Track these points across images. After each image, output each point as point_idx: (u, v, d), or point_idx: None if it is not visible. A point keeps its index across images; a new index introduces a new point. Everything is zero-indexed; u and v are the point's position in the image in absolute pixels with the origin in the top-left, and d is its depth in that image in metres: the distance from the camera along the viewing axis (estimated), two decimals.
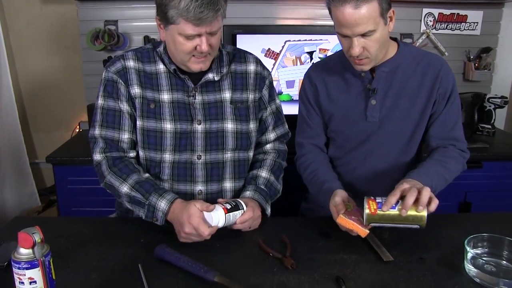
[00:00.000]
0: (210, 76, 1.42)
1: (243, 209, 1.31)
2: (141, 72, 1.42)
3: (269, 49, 2.49)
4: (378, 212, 1.18)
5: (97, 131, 1.42)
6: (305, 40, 2.48)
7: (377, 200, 1.20)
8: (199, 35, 1.28)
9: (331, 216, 1.28)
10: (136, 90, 1.41)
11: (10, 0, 2.66)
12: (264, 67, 1.57)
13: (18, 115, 2.70)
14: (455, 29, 2.78)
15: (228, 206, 1.29)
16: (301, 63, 2.51)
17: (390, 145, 1.49)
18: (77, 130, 2.76)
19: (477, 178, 2.34)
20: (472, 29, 2.79)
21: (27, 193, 2.78)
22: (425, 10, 2.73)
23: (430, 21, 2.75)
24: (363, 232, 1.21)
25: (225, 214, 1.26)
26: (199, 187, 1.45)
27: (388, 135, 1.48)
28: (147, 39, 2.65)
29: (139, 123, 1.42)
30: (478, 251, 1.15)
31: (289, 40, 2.48)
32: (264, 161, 1.54)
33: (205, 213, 1.25)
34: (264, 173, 1.51)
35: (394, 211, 1.17)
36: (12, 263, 0.90)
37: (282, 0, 2.68)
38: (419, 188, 1.17)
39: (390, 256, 1.18)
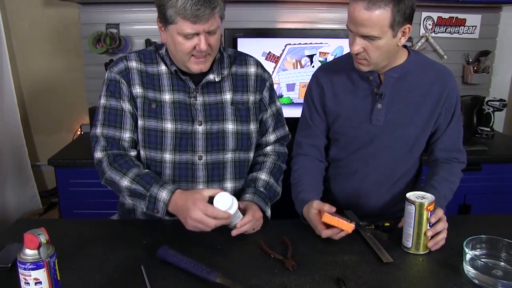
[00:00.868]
0: (211, 77, 1.44)
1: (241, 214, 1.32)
2: (143, 73, 1.44)
3: (269, 52, 2.51)
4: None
5: (98, 130, 1.44)
6: (306, 43, 2.50)
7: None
8: (198, 34, 1.30)
9: None
10: (138, 90, 1.43)
11: (12, 2, 2.68)
12: (264, 70, 1.59)
13: (19, 117, 2.72)
14: (454, 32, 2.81)
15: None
16: (301, 67, 2.53)
17: (393, 150, 1.51)
18: (79, 133, 2.78)
19: (476, 181, 2.35)
20: (471, 33, 2.81)
21: (28, 195, 2.78)
22: (424, 14, 2.75)
23: (429, 24, 2.78)
24: (350, 226, 1.24)
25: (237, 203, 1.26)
26: (201, 188, 1.46)
27: (392, 139, 1.49)
28: (148, 42, 2.67)
29: (140, 122, 1.43)
30: (477, 252, 1.17)
31: (290, 44, 2.50)
32: (264, 163, 1.56)
33: (216, 198, 1.24)
34: (263, 176, 1.52)
35: None
36: (18, 263, 0.91)
37: (283, 4, 2.70)
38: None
39: (390, 258, 1.19)
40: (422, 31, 2.78)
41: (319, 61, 2.50)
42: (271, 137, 1.60)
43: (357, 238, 1.32)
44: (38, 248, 0.90)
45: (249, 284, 1.08)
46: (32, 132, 2.91)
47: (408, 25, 1.32)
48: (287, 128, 1.65)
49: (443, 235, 1.24)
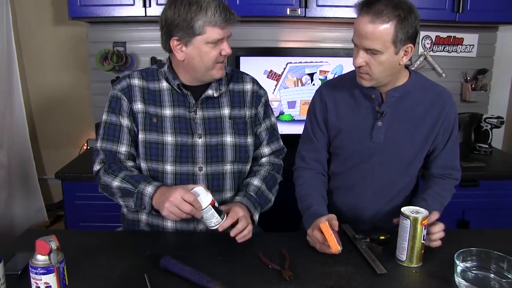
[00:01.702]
0: (209, 92, 1.52)
1: (223, 218, 1.36)
2: (145, 90, 1.52)
3: (271, 70, 2.58)
4: None
5: (98, 144, 1.53)
6: (306, 62, 2.58)
7: None
8: (222, 40, 1.42)
9: None
10: (139, 106, 1.51)
11: (24, 21, 2.77)
12: (260, 87, 1.67)
13: (28, 132, 2.79)
14: (452, 51, 2.87)
15: (216, 204, 1.35)
16: (302, 84, 2.59)
17: (391, 166, 1.56)
18: (85, 147, 2.83)
19: (474, 197, 2.39)
20: (468, 51, 2.87)
21: (35, 208, 2.84)
22: (423, 33, 2.82)
23: (428, 43, 2.84)
24: (336, 247, 1.29)
25: (212, 199, 1.33)
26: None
27: (391, 156, 1.54)
28: (153, 60, 2.74)
29: (141, 136, 1.50)
30: (468, 264, 1.20)
31: (291, 62, 2.58)
32: (258, 172, 1.62)
33: (195, 189, 1.34)
34: (256, 182, 1.58)
35: None
36: (30, 268, 0.97)
37: (284, 24, 2.78)
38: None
39: (384, 269, 1.23)
40: (421, 49, 2.84)
41: (319, 79, 2.57)
42: (266, 150, 1.66)
43: (352, 250, 1.36)
44: (49, 254, 0.96)
45: None
46: (40, 146, 2.98)
47: (411, 45, 1.38)
48: (281, 142, 1.71)
49: (439, 231, 1.33)
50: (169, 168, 1.50)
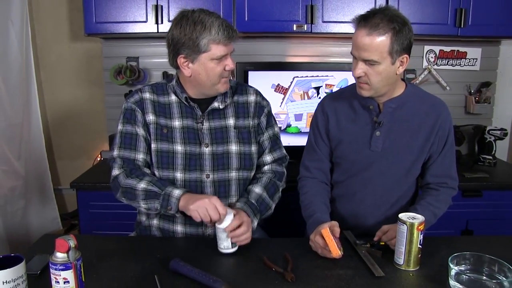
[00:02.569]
0: (215, 104, 1.61)
1: (234, 248, 1.44)
2: (156, 103, 1.61)
3: (278, 84, 2.66)
4: None
5: (115, 152, 1.60)
6: (312, 76, 2.65)
7: None
8: (226, 56, 1.51)
9: None
10: (151, 117, 1.59)
11: (42, 38, 2.91)
12: (263, 98, 1.75)
13: (44, 144, 2.89)
14: (456, 64, 2.92)
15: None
16: (309, 98, 2.67)
17: (390, 174, 1.62)
18: (99, 159, 2.92)
19: (478, 207, 2.42)
20: (472, 65, 2.93)
21: (49, 217, 2.92)
22: (427, 47, 2.88)
23: (432, 57, 2.90)
24: (336, 252, 1.36)
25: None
26: None
27: (389, 164, 1.60)
28: (165, 74, 2.84)
29: (153, 145, 1.59)
30: (462, 268, 1.26)
31: (297, 76, 2.65)
32: (260, 179, 1.68)
33: (229, 209, 1.45)
34: (257, 189, 1.64)
35: None
36: (50, 264, 1.07)
37: (291, 39, 2.86)
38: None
39: (382, 272, 1.29)
40: (425, 63, 2.90)
41: (325, 92, 2.64)
42: (268, 158, 1.73)
43: (353, 255, 1.42)
44: (67, 252, 1.04)
45: None
46: (55, 157, 3.08)
47: (406, 55, 1.46)
48: (284, 150, 1.78)
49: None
50: (179, 175, 1.58)
